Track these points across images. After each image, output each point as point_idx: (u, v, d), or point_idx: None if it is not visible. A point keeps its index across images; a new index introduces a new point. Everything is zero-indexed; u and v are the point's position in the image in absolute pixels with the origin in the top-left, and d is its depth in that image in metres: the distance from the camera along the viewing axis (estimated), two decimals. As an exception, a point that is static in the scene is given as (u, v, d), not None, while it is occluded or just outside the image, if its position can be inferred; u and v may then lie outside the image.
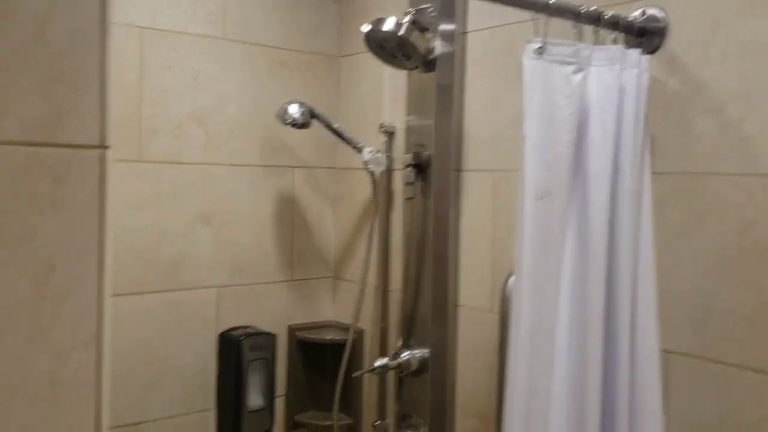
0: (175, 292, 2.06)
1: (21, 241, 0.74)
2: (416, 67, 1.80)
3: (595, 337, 1.26)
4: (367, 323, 2.23)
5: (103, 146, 0.76)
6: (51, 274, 0.76)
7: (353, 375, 2.13)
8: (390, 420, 2.13)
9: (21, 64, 0.70)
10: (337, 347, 2.26)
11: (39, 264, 0.75)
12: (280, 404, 2.31)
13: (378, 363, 1.94)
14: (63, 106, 0.73)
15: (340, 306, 2.39)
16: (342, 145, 2.28)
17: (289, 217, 2.32)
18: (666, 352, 1.42)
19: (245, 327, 2.18)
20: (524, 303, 1.24)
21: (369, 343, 2.25)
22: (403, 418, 2.03)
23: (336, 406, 2.12)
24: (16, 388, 0.74)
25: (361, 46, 1.81)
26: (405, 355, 1.96)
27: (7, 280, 0.73)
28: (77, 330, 0.78)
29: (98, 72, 0.75)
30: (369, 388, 2.24)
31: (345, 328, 2.27)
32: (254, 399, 2.12)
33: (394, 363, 1.93)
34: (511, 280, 1.60)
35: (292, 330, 2.32)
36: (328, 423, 2.30)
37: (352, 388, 2.21)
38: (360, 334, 2.21)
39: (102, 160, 0.75)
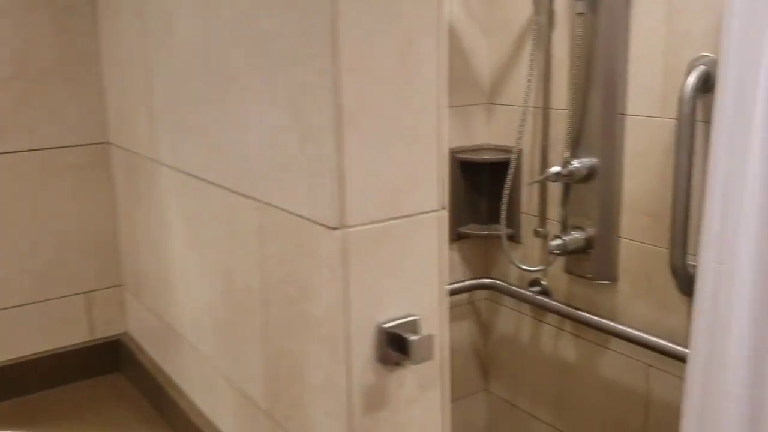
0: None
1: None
2: None
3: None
4: (523, 143, 2.39)
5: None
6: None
7: (529, 183, 2.33)
8: (549, 228, 2.35)
9: None
10: (495, 165, 2.47)
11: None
12: (444, 218, 2.55)
13: (552, 170, 2.12)
14: None
15: (495, 130, 2.55)
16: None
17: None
18: None
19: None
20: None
21: (527, 161, 2.43)
22: (568, 221, 2.24)
23: (503, 219, 2.35)
24: (389, 139, 0.96)
25: None
26: (575, 162, 2.13)
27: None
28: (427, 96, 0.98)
29: None
30: (528, 200, 2.44)
31: (500, 150, 2.46)
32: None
33: (566, 170, 2.11)
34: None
35: (452, 152, 2.52)
36: (487, 233, 2.56)
37: (511, 202, 2.42)
38: (519, 152, 2.39)
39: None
